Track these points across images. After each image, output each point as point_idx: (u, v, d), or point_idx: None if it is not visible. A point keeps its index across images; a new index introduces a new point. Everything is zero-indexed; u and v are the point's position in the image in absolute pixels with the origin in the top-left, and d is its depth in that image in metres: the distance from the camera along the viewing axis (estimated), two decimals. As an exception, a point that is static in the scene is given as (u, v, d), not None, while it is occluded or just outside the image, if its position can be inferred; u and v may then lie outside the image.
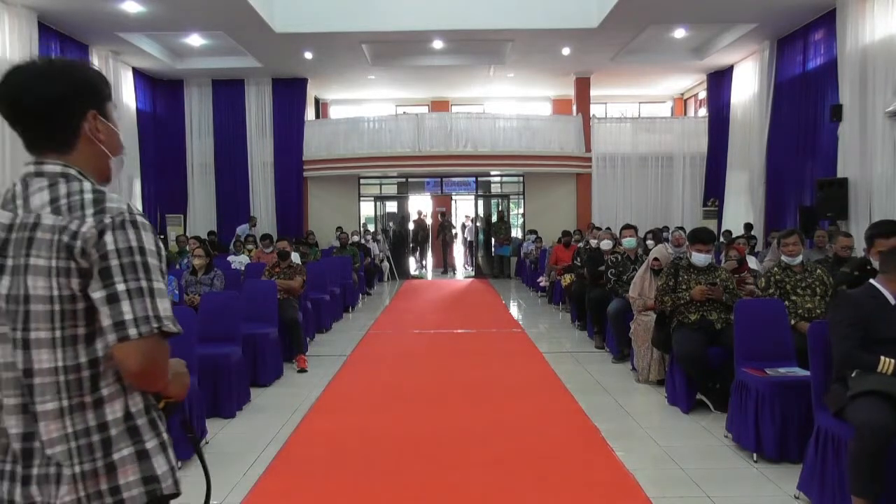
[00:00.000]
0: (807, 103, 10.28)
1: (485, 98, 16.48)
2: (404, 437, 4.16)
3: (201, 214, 13.78)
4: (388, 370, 6.13)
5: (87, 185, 1.29)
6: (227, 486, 3.38)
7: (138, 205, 12.46)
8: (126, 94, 11.93)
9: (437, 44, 11.88)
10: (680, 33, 11.38)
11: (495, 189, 15.97)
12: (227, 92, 13.78)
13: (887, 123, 8.03)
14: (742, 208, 12.38)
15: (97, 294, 1.19)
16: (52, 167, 1.31)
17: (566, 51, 12.09)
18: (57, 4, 8.75)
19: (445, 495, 3.29)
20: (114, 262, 1.19)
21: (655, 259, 5.52)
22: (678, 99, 16.82)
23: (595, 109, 15.02)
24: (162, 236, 12.42)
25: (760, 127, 11.52)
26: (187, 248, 8.28)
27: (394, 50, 12.48)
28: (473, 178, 15.15)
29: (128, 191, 11.93)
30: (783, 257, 4.54)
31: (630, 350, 5.72)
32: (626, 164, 14.24)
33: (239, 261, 8.61)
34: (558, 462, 3.70)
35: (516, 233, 15.20)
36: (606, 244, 7.16)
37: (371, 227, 14.72)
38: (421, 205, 16.92)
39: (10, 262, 1.22)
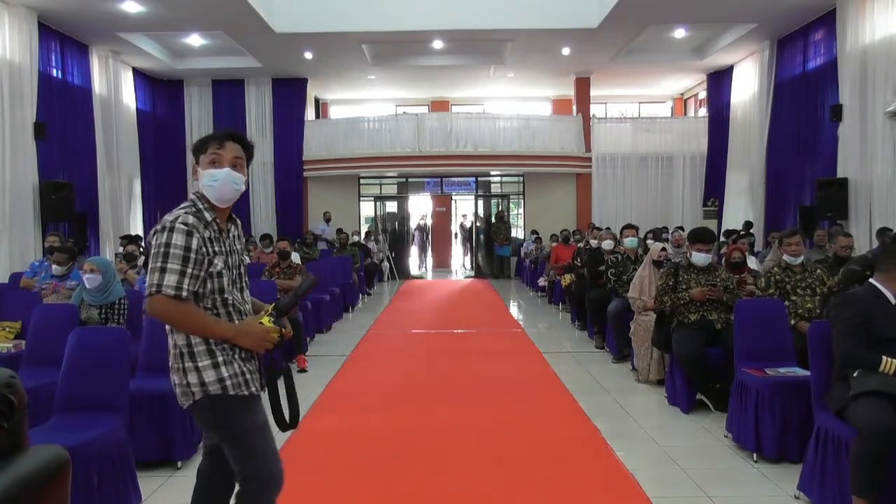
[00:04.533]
0: (807, 103, 10.28)
1: (485, 98, 16.48)
2: (404, 437, 4.16)
3: (201, 214, 13.75)
4: (389, 370, 6.13)
5: (184, 206, 2.15)
6: (227, 486, 3.38)
7: (138, 204, 12.49)
8: (126, 94, 11.93)
9: (437, 44, 11.88)
10: (680, 33, 11.38)
11: (495, 189, 15.97)
12: (227, 92, 13.78)
13: (887, 123, 8.03)
14: (742, 208, 12.38)
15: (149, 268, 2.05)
16: (191, 194, 2.23)
17: (566, 51, 12.09)
18: (57, 4, 8.75)
19: (445, 495, 3.29)
20: (152, 251, 2.06)
21: (663, 249, 5.52)
22: (678, 99, 16.82)
23: (595, 109, 15.02)
24: None
25: (760, 127, 11.52)
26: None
27: (394, 50, 12.48)
28: (473, 178, 15.16)
29: (128, 190, 11.93)
30: (785, 257, 4.55)
31: (630, 350, 5.72)
32: (626, 164, 14.24)
33: (239, 261, 8.60)
34: (558, 462, 3.70)
35: (517, 233, 15.19)
36: (608, 244, 7.16)
37: (370, 230, 14.72)
38: (424, 206, 16.96)
39: None
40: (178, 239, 2.03)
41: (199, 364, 2.08)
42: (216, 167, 2.18)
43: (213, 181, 2.17)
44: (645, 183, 14.28)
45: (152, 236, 2.07)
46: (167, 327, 2.13)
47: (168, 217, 2.07)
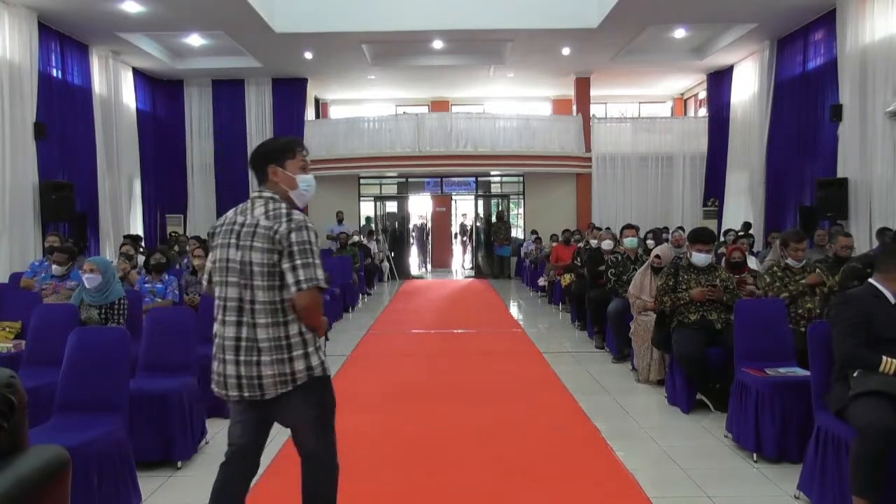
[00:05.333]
0: (807, 103, 10.27)
1: (485, 98, 16.48)
2: (404, 436, 4.17)
3: (201, 214, 13.76)
4: (389, 370, 6.13)
5: (282, 205, 2.28)
6: (227, 486, 3.37)
7: (138, 204, 12.49)
8: (126, 95, 11.92)
9: (437, 44, 11.88)
10: (680, 33, 11.38)
11: (495, 189, 15.97)
12: (227, 92, 13.78)
13: (887, 123, 8.02)
14: (742, 208, 12.37)
15: (285, 265, 2.19)
16: (265, 193, 2.33)
17: (566, 51, 12.09)
18: (57, 4, 8.75)
19: (445, 495, 3.29)
20: (294, 249, 2.18)
21: (657, 256, 5.52)
22: (678, 99, 16.82)
23: (595, 109, 15.01)
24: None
25: (760, 127, 11.51)
26: (187, 248, 8.31)
27: (394, 50, 12.48)
28: (473, 178, 15.15)
29: (127, 190, 11.93)
30: (790, 261, 4.54)
31: (630, 350, 5.72)
32: (626, 164, 14.23)
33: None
34: (558, 462, 3.70)
35: (517, 233, 15.19)
36: (608, 244, 7.16)
37: (371, 230, 14.71)
38: (424, 206, 16.97)
39: (241, 243, 2.24)
40: (313, 237, 2.25)
41: (308, 350, 2.28)
42: (306, 173, 2.39)
43: (308, 186, 2.39)
44: (645, 183, 14.27)
45: (286, 235, 2.19)
46: (259, 320, 2.21)
47: (295, 216, 2.24)
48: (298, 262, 2.17)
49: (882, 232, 7.15)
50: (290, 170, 2.34)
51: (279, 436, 4.15)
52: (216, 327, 2.33)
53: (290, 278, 2.18)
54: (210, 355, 4.54)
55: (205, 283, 2.48)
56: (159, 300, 5.50)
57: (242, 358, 2.23)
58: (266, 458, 3.70)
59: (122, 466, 3.06)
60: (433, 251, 17.22)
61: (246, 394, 2.26)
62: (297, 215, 2.25)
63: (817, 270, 4.53)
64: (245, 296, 2.23)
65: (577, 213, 14.39)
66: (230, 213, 2.37)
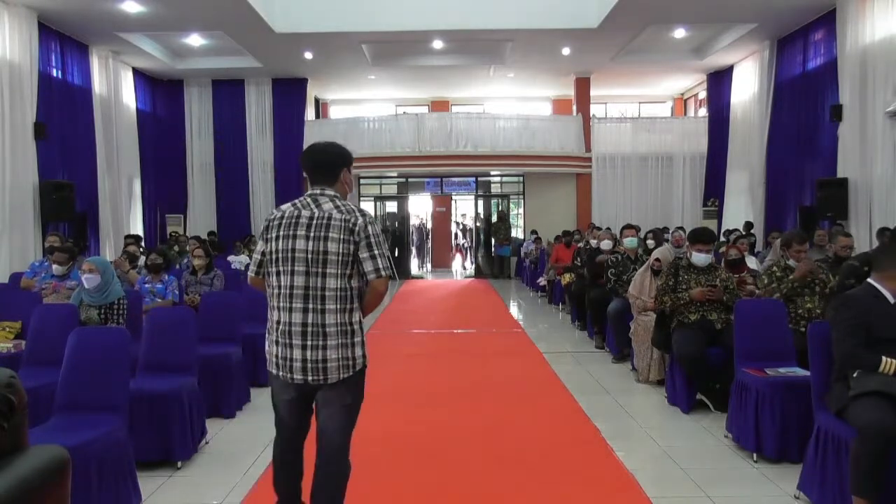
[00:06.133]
0: (807, 103, 10.27)
1: (485, 98, 16.48)
2: (404, 436, 4.17)
3: (201, 214, 13.76)
4: (389, 370, 6.12)
5: (347, 202, 2.48)
6: (227, 485, 3.38)
7: (138, 204, 12.50)
8: (126, 95, 11.91)
9: (437, 44, 11.88)
10: (680, 33, 11.38)
11: (495, 189, 15.97)
12: (227, 92, 13.77)
13: (887, 123, 8.02)
14: (742, 208, 12.37)
15: (364, 254, 2.39)
16: (330, 192, 2.50)
17: (566, 51, 12.09)
18: (57, 4, 8.74)
19: (446, 495, 3.29)
20: (372, 240, 2.40)
21: (657, 259, 5.52)
22: (678, 99, 16.82)
23: (595, 109, 15.01)
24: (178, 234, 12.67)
25: (760, 127, 11.51)
26: (187, 248, 8.32)
27: (394, 50, 12.48)
28: (473, 178, 15.15)
29: (127, 191, 11.93)
30: (791, 262, 4.54)
31: (630, 350, 5.72)
32: (626, 164, 14.23)
33: (239, 261, 8.64)
34: (558, 462, 3.70)
35: (517, 233, 15.19)
36: (607, 244, 7.16)
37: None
38: (424, 206, 16.94)
39: (312, 234, 2.39)
40: (380, 230, 2.50)
41: (363, 339, 2.48)
42: None
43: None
44: (645, 183, 14.27)
45: (364, 227, 2.40)
46: (329, 306, 2.37)
47: (366, 211, 2.48)
48: (376, 252, 2.40)
49: (882, 232, 7.15)
50: (351, 174, 2.62)
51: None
52: (278, 314, 2.43)
53: (369, 266, 2.39)
54: (209, 354, 4.59)
55: (251, 274, 2.56)
56: (159, 300, 5.49)
57: (309, 342, 2.37)
58: (266, 458, 3.71)
59: (122, 466, 3.06)
60: (433, 251, 17.22)
61: (310, 377, 2.39)
62: (366, 211, 2.49)
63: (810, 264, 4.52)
64: (314, 283, 2.37)
65: (577, 213, 14.38)
66: (287, 207, 2.49)
